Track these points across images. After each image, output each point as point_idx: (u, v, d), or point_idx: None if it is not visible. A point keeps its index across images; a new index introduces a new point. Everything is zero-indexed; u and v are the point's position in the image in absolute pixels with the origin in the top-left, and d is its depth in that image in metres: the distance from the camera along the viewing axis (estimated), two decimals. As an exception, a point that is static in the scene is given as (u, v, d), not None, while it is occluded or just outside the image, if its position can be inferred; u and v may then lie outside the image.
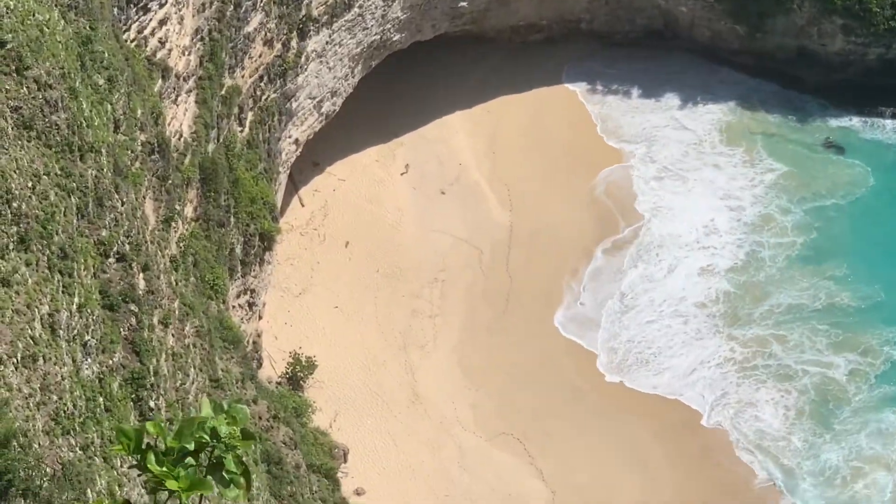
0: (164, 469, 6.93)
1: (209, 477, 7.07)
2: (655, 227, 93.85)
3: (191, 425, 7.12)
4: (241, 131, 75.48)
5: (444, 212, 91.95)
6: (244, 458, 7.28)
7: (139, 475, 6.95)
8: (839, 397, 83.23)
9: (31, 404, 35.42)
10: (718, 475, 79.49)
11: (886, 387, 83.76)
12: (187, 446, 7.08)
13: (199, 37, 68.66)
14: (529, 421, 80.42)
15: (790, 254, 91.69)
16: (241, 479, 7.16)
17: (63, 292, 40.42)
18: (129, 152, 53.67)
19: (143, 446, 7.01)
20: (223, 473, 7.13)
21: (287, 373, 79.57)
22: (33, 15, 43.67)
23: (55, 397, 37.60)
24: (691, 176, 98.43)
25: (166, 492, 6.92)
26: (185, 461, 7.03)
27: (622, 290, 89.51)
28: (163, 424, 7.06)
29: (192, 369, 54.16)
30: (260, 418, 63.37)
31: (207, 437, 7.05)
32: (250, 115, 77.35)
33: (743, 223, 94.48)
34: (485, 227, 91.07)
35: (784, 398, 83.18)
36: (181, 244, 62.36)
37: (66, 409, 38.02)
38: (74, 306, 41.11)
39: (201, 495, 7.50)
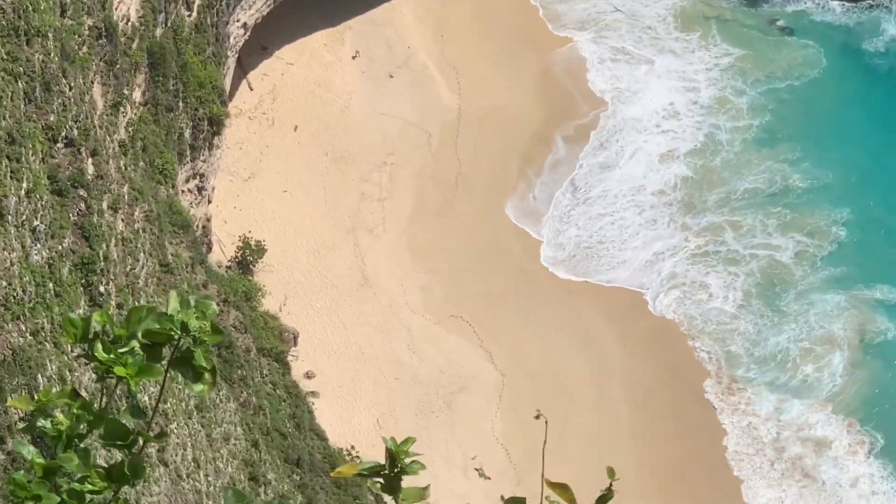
0: (112, 356, 7.07)
1: (176, 371, 7.23)
2: (616, 111, 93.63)
3: (139, 313, 7.24)
4: (189, 15, 74.76)
5: (393, 95, 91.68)
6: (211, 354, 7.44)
7: (87, 363, 7.15)
8: (785, 280, 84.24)
9: (-20, 290, 35.52)
10: (667, 358, 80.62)
11: (832, 268, 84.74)
12: (136, 334, 7.20)
13: (144, -81, 67.76)
14: (479, 304, 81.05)
15: (746, 137, 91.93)
16: (209, 375, 7.30)
17: (11, 177, 40.38)
18: (77, 37, 53.26)
19: (91, 335, 7.16)
20: (191, 367, 7.26)
21: (237, 257, 79.69)
22: None
23: (4, 283, 37.74)
24: (647, 59, 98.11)
25: (114, 378, 7.10)
26: (134, 349, 7.17)
27: (575, 183, 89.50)
28: (110, 313, 7.20)
29: (142, 254, 54.23)
30: (210, 302, 63.37)
31: (176, 331, 7.19)
32: (198, -1, 76.65)
33: (700, 106, 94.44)
34: (433, 111, 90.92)
35: (732, 282, 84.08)
36: (130, 129, 62.07)
37: (15, 294, 38.17)
38: (23, 191, 41.09)
39: (162, 389, 7.78)
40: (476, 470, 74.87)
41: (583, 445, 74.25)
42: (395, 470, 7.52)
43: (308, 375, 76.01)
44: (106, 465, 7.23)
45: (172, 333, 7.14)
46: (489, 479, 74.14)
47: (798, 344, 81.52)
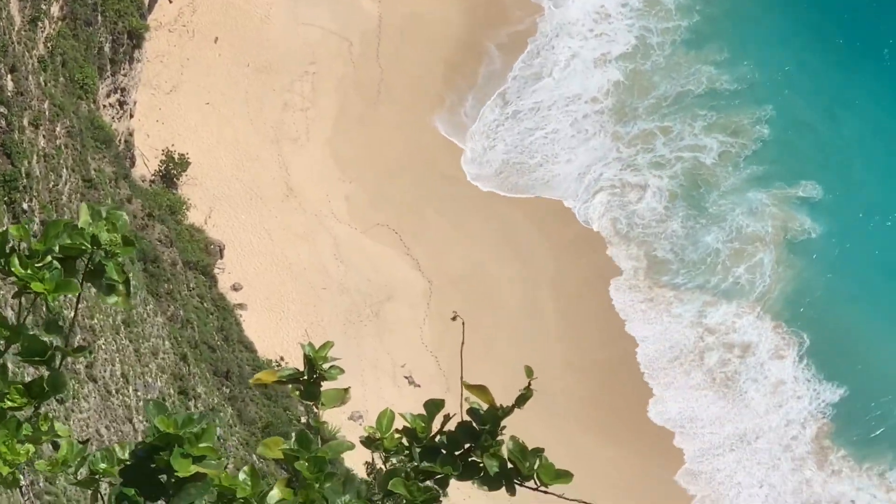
0: (29, 272, 7.05)
1: (89, 284, 7.21)
2: (552, 15, 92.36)
3: (56, 227, 7.18)
4: (104, -74, 73.66)
5: (313, 4, 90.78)
6: (124, 266, 7.41)
7: (4, 279, 7.14)
8: (709, 181, 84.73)
9: None
10: (593, 264, 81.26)
11: (755, 166, 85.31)
12: (54, 249, 7.17)
13: None
14: (404, 212, 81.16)
15: (675, 38, 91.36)
16: (122, 287, 7.29)
17: (-74, 96, 39.85)
18: (-11, -49, 52.42)
19: (7, 249, 7.11)
20: (104, 280, 7.24)
21: (160, 171, 79.16)
22: None
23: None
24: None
25: (32, 294, 7.08)
26: (52, 263, 7.14)
27: (507, 96, 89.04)
28: (27, 227, 7.15)
29: (65, 170, 53.86)
30: (135, 217, 63.29)
31: (87, 244, 7.13)
32: None
33: (630, 8, 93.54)
34: (354, 19, 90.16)
35: (658, 186, 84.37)
36: (49, 44, 61.35)
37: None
38: (-61, 110, 40.59)
39: (77, 304, 7.78)
40: (406, 378, 75.39)
41: (511, 349, 74.90)
42: (314, 376, 7.50)
43: (235, 288, 75.99)
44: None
45: (84, 247, 7.13)
46: (419, 386, 74.72)
47: (727, 245, 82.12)
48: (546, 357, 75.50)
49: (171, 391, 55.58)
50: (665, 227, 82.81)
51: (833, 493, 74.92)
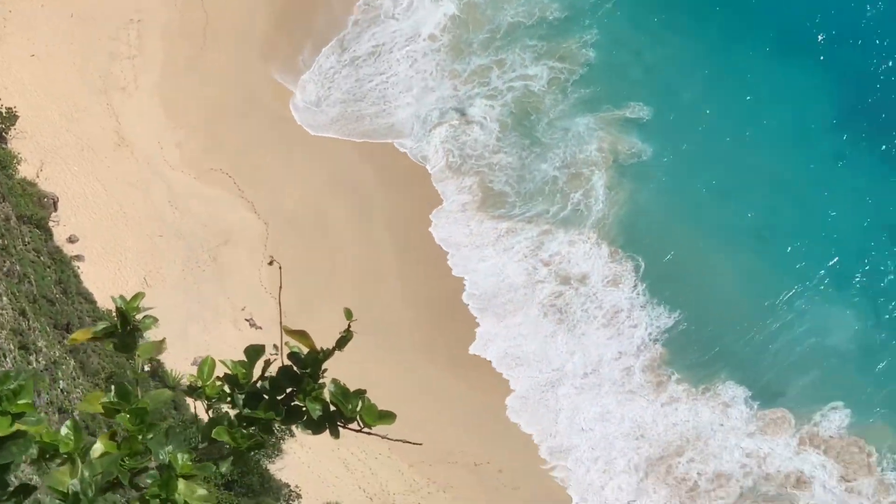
0: None
1: None
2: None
3: None
4: None
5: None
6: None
7: None
8: (539, 108, 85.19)
9: None
10: (424, 197, 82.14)
11: (583, 90, 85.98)
12: None
13: None
14: (237, 155, 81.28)
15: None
16: None
17: None
18: None
19: None
20: None
21: (-13, 126, 78.40)
22: None
23: None
24: None
25: None
26: None
27: (345, 41, 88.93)
28: None
29: None
30: (-36, 174, 62.80)
31: None
32: None
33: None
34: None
35: (490, 116, 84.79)
36: None
37: None
38: None
39: None
40: (247, 321, 75.91)
41: (349, 288, 75.89)
42: (128, 328, 7.49)
43: (71, 240, 75.70)
44: None
45: None
46: (260, 328, 75.21)
47: (561, 171, 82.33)
48: (385, 295, 76.47)
49: (12, 346, 55.60)
50: (499, 159, 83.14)
51: (674, 419, 75.33)
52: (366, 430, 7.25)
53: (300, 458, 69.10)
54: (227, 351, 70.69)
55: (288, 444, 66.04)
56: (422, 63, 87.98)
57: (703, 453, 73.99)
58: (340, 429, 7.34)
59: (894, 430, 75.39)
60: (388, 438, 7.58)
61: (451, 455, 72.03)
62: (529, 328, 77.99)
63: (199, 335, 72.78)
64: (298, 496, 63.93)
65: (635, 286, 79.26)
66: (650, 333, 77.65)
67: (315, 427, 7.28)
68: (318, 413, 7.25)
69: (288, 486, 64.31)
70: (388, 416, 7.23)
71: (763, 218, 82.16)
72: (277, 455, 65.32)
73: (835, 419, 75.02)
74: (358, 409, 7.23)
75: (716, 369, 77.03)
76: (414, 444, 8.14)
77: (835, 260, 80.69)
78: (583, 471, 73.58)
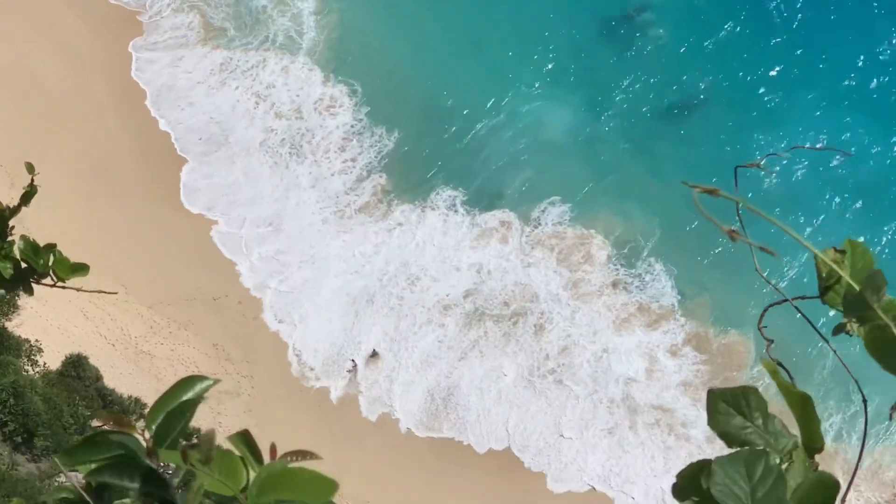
0: None
1: None
2: None
3: None
4: None
5: None
6: None
7: None
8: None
9: None
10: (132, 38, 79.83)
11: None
12: None
13: None
14: None
15: None
16: None
17: None
18: None
19: None
20: None
21: None
22: None
23: None
24: None
25: None
26: None
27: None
28: None
29: None
30: None
31: None
32: None
33: None
34: None
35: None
36: None
37: None
38: None
39: None
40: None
41: (73, 139, 73.56)
42: None
43: None
44: None
45: None
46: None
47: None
48: (108, 142, 74.29)
49: None
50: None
51: (399, 242, 71.39)
52: (60, 284, 7.03)
53: (37, 311, 67.80)
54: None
55: (24, 300, 64.54)
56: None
57: (428, 274, 71.17)
58: (35, 285, 7.15)
59: (619, 220, 73.10)
60: (84, 290, 7.24)
61: (188, 293, 70.87)
62: (243, 169, 73.87)
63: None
64: (40, 350, 62.28)
65: (354, 112, 75.95)
66: (374, 159, 74.49)
67: (10, 286, 7.07)
68: (11, 272, 7.04)
69: (28, 341, 62.35)
70: (81, 269, 7.06)
71: (477, 24, 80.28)
72: (14, 311, 63.79)
73: (553, 213, 73.76)
74: (51, 263, 7.02)
75: (434, 184, 74.31)
76: (109, 293, 8.30)
77: (550, 59, 79.77)
78: (293, 298, 71.07)
